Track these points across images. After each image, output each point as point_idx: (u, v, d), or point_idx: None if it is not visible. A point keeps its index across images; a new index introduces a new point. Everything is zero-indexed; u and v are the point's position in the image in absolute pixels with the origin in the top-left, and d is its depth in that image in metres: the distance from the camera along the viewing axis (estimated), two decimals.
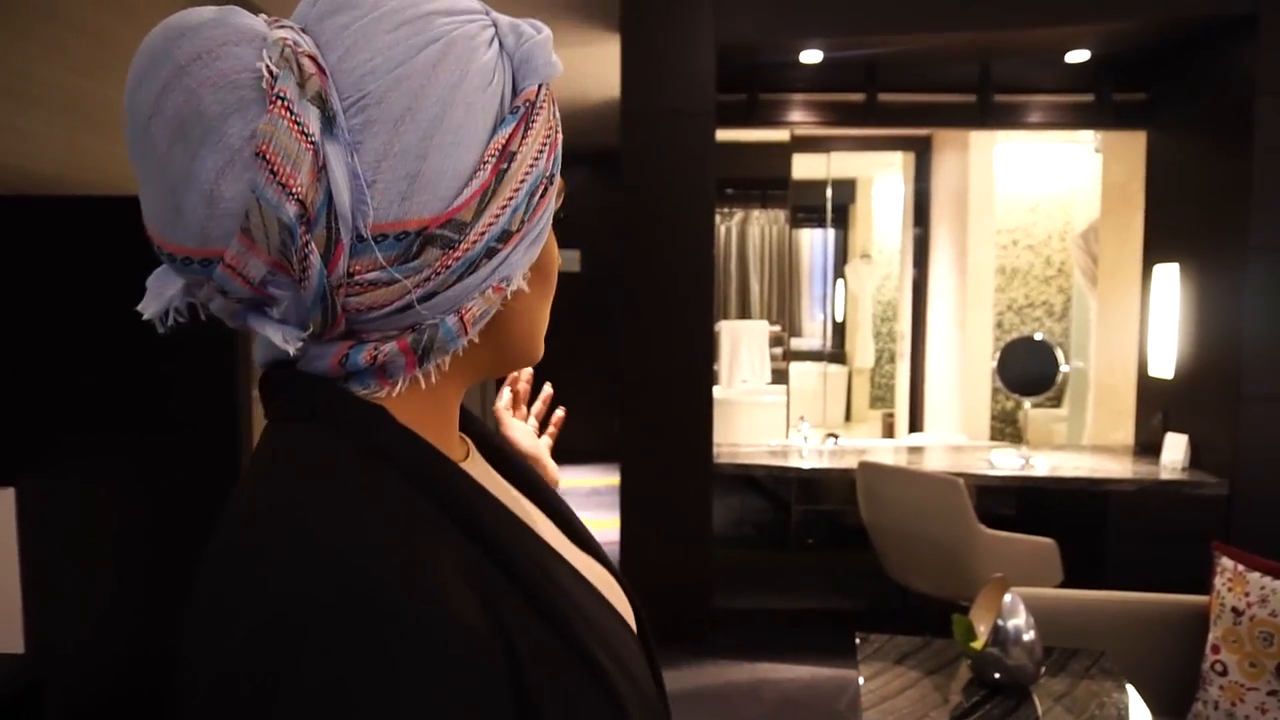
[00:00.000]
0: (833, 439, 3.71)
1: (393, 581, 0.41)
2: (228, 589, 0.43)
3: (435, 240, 0.47)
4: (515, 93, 0.51)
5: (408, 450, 0.49)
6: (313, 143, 0.44)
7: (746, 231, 5.35)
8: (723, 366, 4.73)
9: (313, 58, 0.45)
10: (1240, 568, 1.98)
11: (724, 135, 3.21)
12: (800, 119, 3.69)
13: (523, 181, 0.50)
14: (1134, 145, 3.64)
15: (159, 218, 0.48)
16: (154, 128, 0.45)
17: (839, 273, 5.63)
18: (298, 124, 0.44)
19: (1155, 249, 3.47)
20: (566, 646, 0.49)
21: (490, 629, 0.44)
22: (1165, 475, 3.03)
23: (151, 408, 1.82)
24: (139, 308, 0.53)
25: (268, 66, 0.44)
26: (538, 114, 0.51)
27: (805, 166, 4.59)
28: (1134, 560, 3.06)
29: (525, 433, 0.86)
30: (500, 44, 0.50)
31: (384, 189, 0.46)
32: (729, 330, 4.88)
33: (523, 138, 0.50)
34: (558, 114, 0.54)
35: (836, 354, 5.57)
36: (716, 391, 3.56)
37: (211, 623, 0.42)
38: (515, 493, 0.63)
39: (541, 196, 0.52)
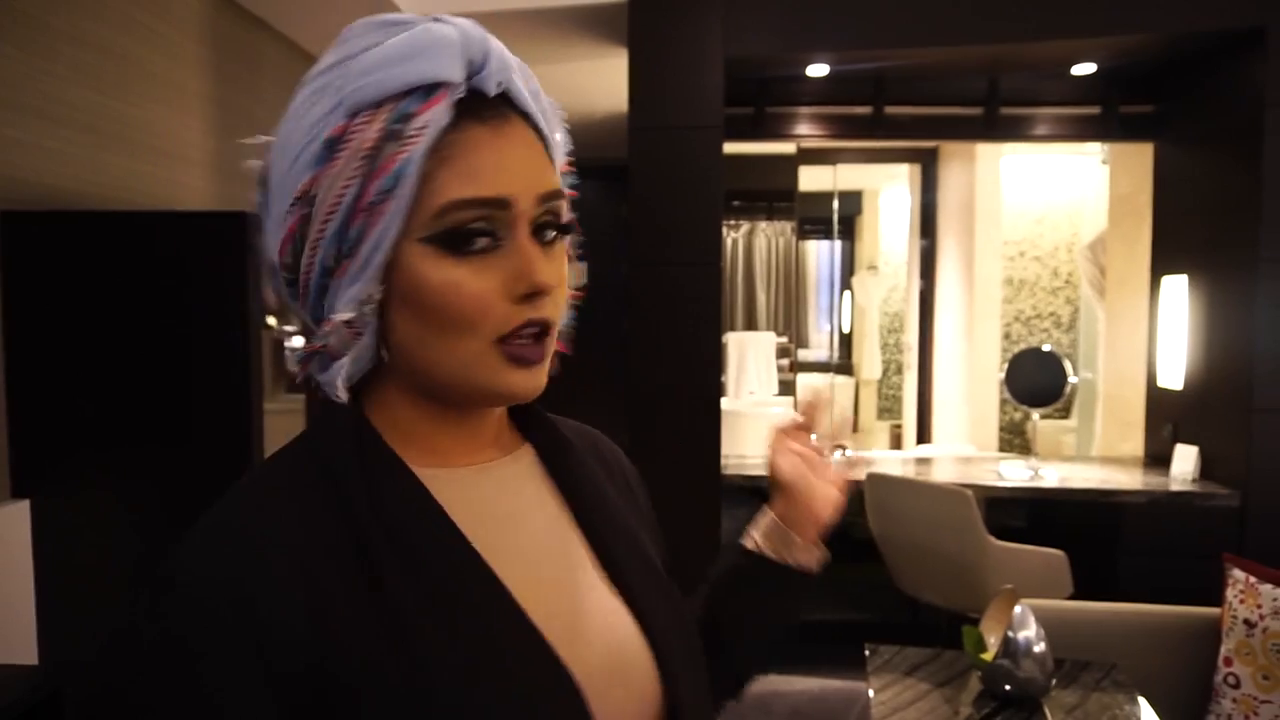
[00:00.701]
0: (841, 450, 3.71)
1: (191, 574, 0.52)
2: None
3: (286, 280, 0.57)
4: None
5: (334, 447, 0.56)
6: (258, 208, 0.59)
7: (753, 243, 5.36)
8: (730, 378, 4.74)
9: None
10: (1252, 580, 1.97)
11: (731, 148, 3.23)
12: (807, 132, 3.71)
13: (326, 221, 0.53)
14: (1141, 157, 3.65)
15: None
16: None
17: (846, 284, 5.64)
18: (256, 195, 0.59)
19: (1163, 260, 3.47)
20: (397, 641, 0.51)
21: (290, 610, 0.50)
22: (1175, 487, 3.02)
23: (167, 421, 1.84)
24: None
25: (254, 163, 0.60)
26: (343, 147, 0.52)
27: (812, 179, 4.60)
28: (1144, 572, 3.05)
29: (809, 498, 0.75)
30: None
31: (270, 238, 0.57)
32: (736, 342, 4.89)
33: (323, 179, 0.53)
34: (409, 129, 0.51)
35: (843, 365, 5.57)
36: (724, 403, 3.57)
37: None
38: (554, 506, 0.63)
39: (363, 229, 0.52)
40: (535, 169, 0.56)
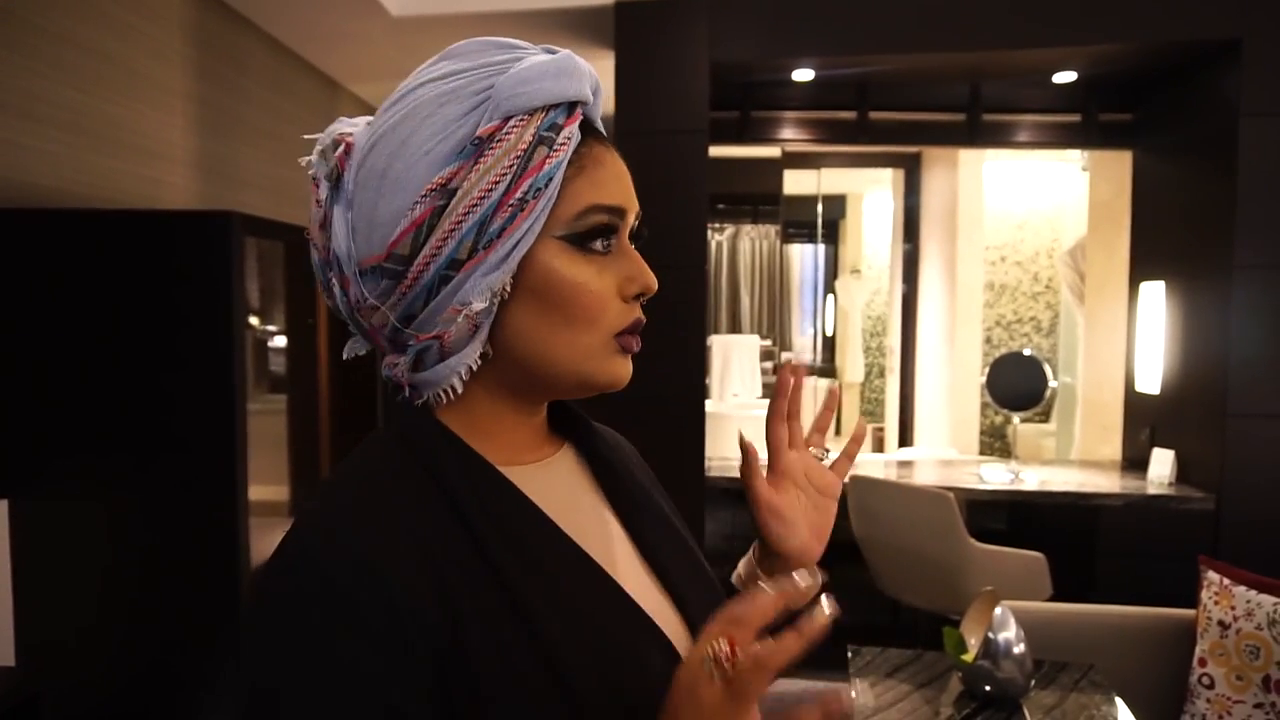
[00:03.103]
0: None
1: (340, 554, 0.52)
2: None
3: (387, 272, 0.58)
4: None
5: (427, 443, 0.59)
6: (321, 205, 0.60)
7: (738, 246, 5.38)
8: (714, 380, 4.75)
9: (349, 144, 0.60)
10: (1226, 582, 2.00)
11: (716, 151, 3.24)
12: (792, 136, 3.73)
13: (467, 213, 0.56)
14: (1120, 164, 3.70)
15: None
16: None
17: (829, 288, 5.68)
18: (317, 194, 0.60)
19: (1141, 266, 3.52)
20: (519, 619, 0.54)
21: (419, 590, 0.52)
22: (1152, 490, 3.06)
23: (150, 421, 1.83)
24: None
25: (310, 160, 0.61)
26: (494, 146, 0.56)
27: (796, 182, 4.63)
28: (1122, 574, 3.09)
29: (796, 505, 0.73)
30: (493, 89, 0.57)
31: (360, 233, 0.58)
32: (720, 344, 4.91)
33: (469, 173, 0.56)
34: (559, 138, 0.57)
35: (827, 368, 5.60)
36: (708, 405, 3.58)
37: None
38: (598, 502, 0.67)
39: (507, 223, 0.56)
40: (632, 187, 0.63)
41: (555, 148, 0.57)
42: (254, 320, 2.07)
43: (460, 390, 0.60)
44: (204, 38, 2.72)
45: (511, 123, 0.56)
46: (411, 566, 0.52)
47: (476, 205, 0.56)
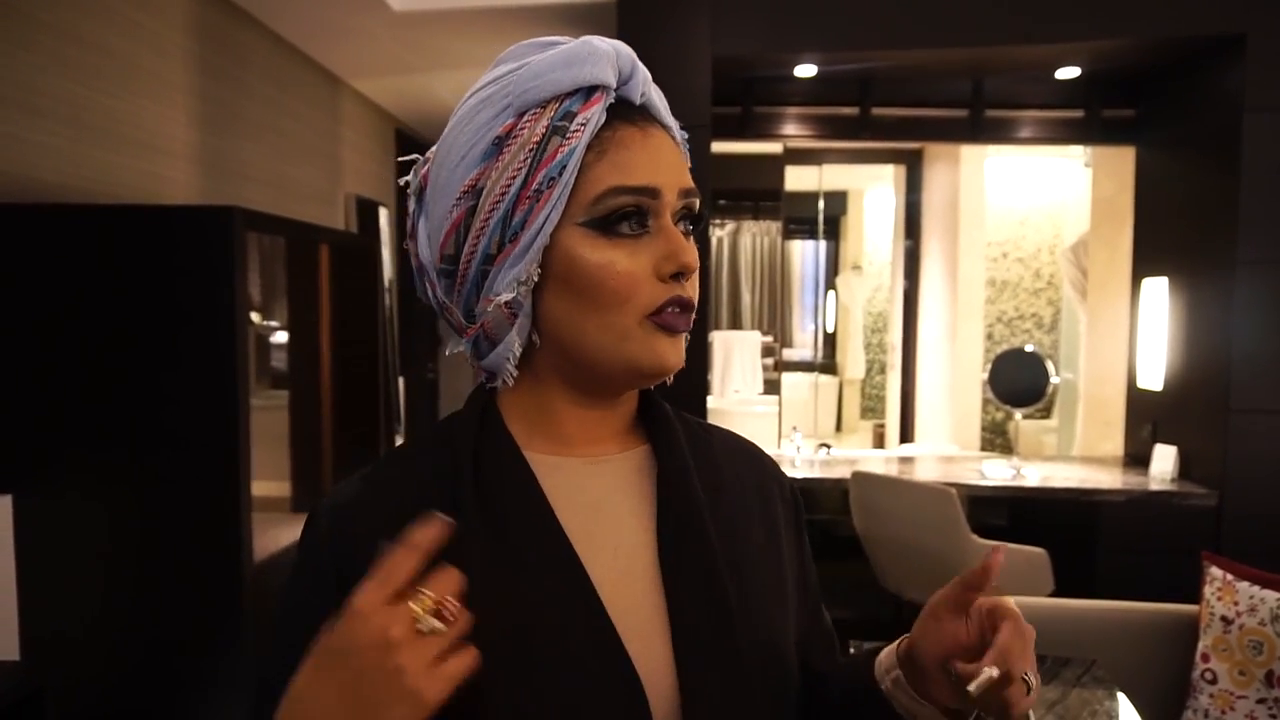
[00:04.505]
0: (825, 449, 3.73)
1: (328, 500, 0.63)
2: None
3: (444, 272, 0.63)
4: None
5: (464, 427, 0.63)
6: (410, 217, 0.66)
7: (739, 242, 5.38)
8: (715, 376, 4.75)
9: (430, 160, 0.65)
10: (1229, 577, 2.00)
11: (717, 147, 3.24)
12: (794, 132, 3.73)
13: (492, 210, 0.59)
14: (1123, 160, 3.69)
15: None
16: None
17: (830, 284, 5.67)
18: (409, 205, 0.66)
19: (1144, 262, 3.51)
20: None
21: (370, 541, 0.54)
22: (1155, 486, 3.06)
23: (152, 416, 1.83)
24: None
25: (407, 179, 0.67)
26: (510, 143, 0.58)
27: (798, 178, 4.62)
28: (1124, 570, 3.09)
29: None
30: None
31: (430, 240, 0.63)
32: (721, 340, 4.91)
33: (491, 172, 0.59)
34: (571, 126, 0.58)
35: (828, 364, 5.60)
36: (710, 401, 3.58)
37: None
38: (643, 509, 0.63)
39: (527, 214, 0.58)
40: (676, 166, 0.62)
41: (568, 136, 0.57)
42: (255, 316, 2.07)
43: (514, 377, 0.63)
44: (206, 32, 2.71)
45: (525, 118, 0.58)
46: (379, 519, 0.58)
47: (499, 201, 0.58)
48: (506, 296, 0.59)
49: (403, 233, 0.72)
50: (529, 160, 0.57)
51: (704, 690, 0.57)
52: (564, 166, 0.57)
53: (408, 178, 0.66)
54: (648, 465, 0.66)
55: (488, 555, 0.56)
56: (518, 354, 0.62)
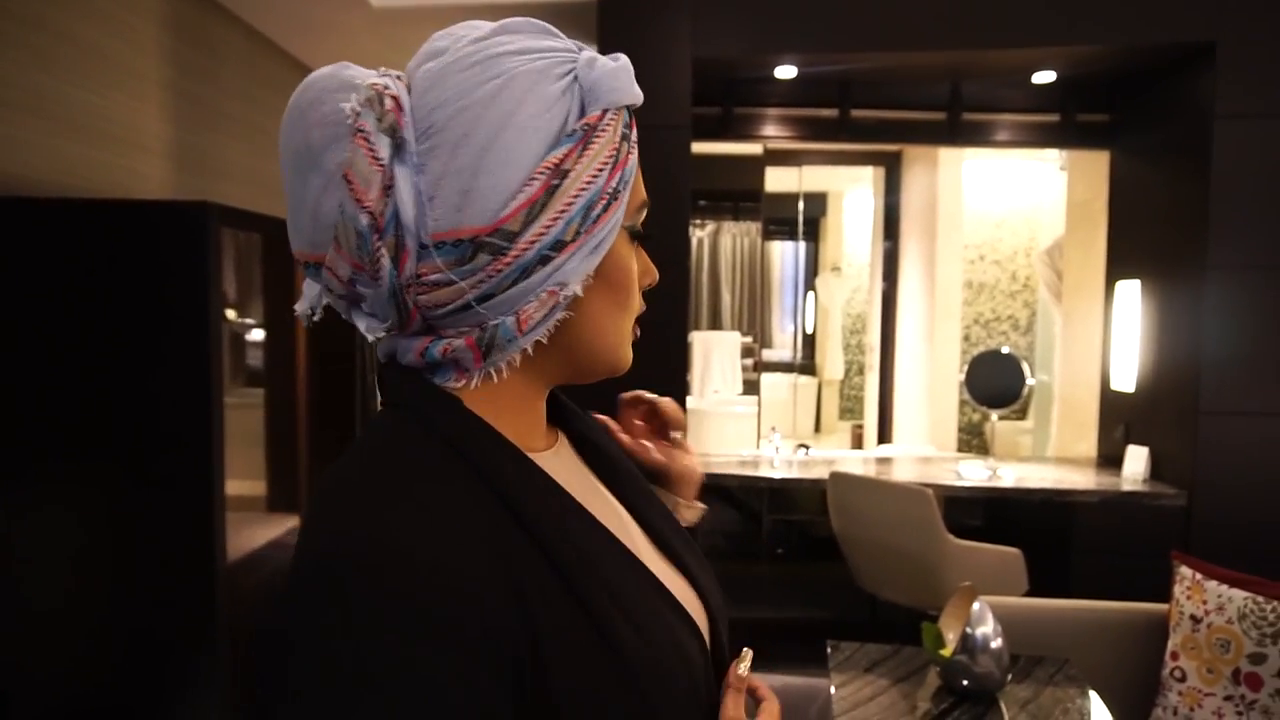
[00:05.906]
0: (804, 449, 3.75)
1: (413, 552, 0.48)
2: (297, 553, 0.51)
3: (486, 247, 0.54)
4: (581, 117, 0.57)
5: (466, 433, 0.57)
6: (382, 165, 0.53)
7: (719, 243, 5.38)
8: (695, 377, 4.76)
9: (395, 98, 0.54)
10: (1198, 576, 2.03)
11: (698, 148, 3.24)
12: (774, 133, 3.74)
13: (577, 196, 0.56)
14: (1097, 164, 3.74)
15: (290, 229, 0.58)
16: (284, 158, 0.56)
17: (810, 285, 5.69)
18: (372, 151, 0.53)
19: (1117, 266, 3.56)
20: (588, 620, 0.54)
21: (502, 596, 0.50)
22: (1127, 487, 3.10)
23: (123, 416, 1.80)
24: (295, 306, 0.61)
25: (353, 108, 0.53)
26: (598, 135, 0.57)
27: (778, 180, 4.64)
28: (1097, 569, 3.13)
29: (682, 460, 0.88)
30: (576, 75, 0.58)
31: (442, 203, 0.54)
32: (701, 341, 4.91)
33: (579, 157, 0.56)
34: (633, 136, 0.61)
35: (806, 365, 5.62)
36: (689, 402, 3.58)
37: (287, 581, 0.51)
38: (602, 489, 0.69)
39: (604, 211, 0.58)
40: None
41: (632, 145, 0.61)
42: (231, 313, 2.04)
43: (503, 374, 0.59)
44: (181, 26, 2.68)
45: (608, 115, 0.58)
46: (494, 578, 0.50)
47: (584, 190, 0.56)
48: (575, 289, 0.57)
49: None
50: (611, 159, 0.58)
51: (719, 617, 0.69)
52: (631, 173, 0.61)
53: (353, 105, 0.53)
54: (572, 448, 0.70)
55: (584, 575, 0.56)
56: (529, 348, 0.58)
